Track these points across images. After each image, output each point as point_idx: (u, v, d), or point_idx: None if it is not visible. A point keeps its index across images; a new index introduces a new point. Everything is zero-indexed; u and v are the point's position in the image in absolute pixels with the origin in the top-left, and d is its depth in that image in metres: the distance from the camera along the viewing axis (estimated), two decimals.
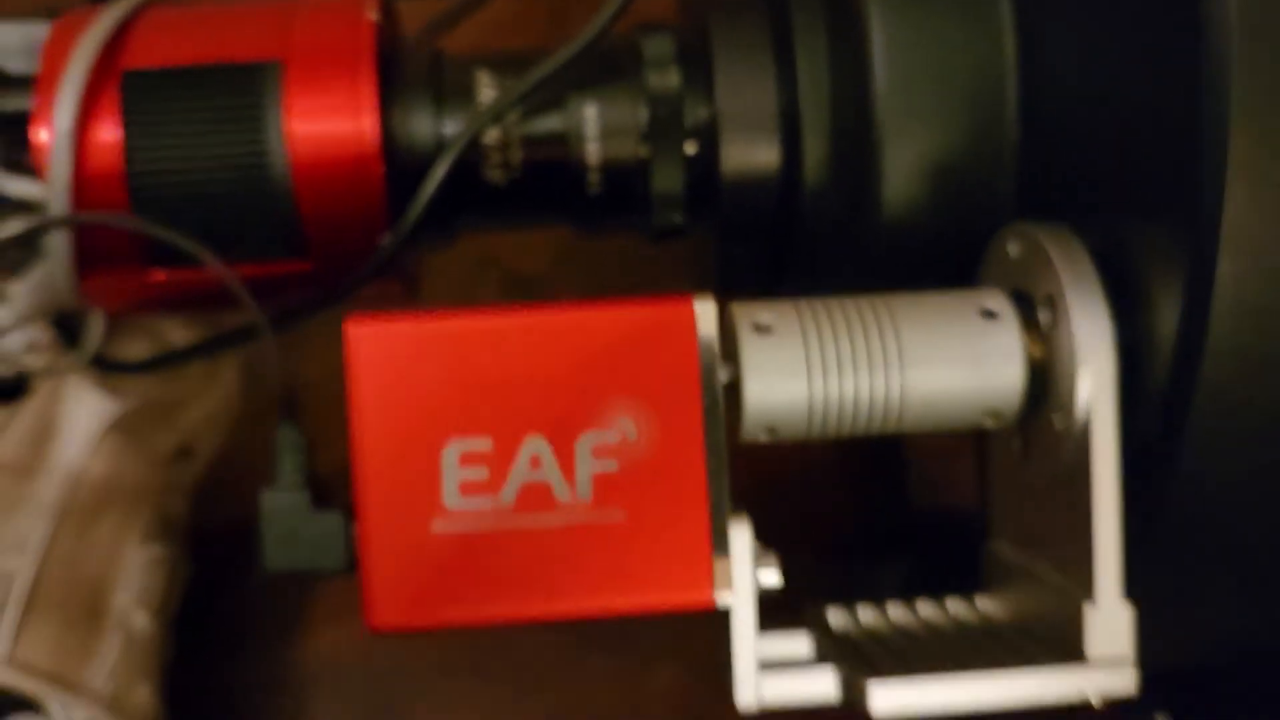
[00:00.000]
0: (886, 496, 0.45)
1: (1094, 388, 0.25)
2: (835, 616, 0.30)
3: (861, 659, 0.27)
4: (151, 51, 0.33)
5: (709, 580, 0.25)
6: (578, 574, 0.25)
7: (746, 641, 0.25)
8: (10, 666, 0.37)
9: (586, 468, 0.25)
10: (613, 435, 0.25)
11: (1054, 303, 0.26)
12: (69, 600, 0.39)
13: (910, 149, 0.30)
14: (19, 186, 0.33)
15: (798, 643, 0.28)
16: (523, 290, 0.52)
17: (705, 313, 0.25)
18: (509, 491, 0.25)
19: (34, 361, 0.34)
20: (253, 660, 0.49)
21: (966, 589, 0.31)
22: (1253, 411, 0.24)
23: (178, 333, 0.41)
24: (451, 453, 0.24)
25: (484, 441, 0.24)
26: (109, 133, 0.32)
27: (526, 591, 0.25)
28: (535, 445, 0.25)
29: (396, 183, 0.34)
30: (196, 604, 0.47)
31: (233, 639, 0.49)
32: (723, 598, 0.25)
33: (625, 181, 0.35)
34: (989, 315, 0.27)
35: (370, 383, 0.24)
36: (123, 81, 0.32)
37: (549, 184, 0.35)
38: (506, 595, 0.25)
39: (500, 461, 0.24)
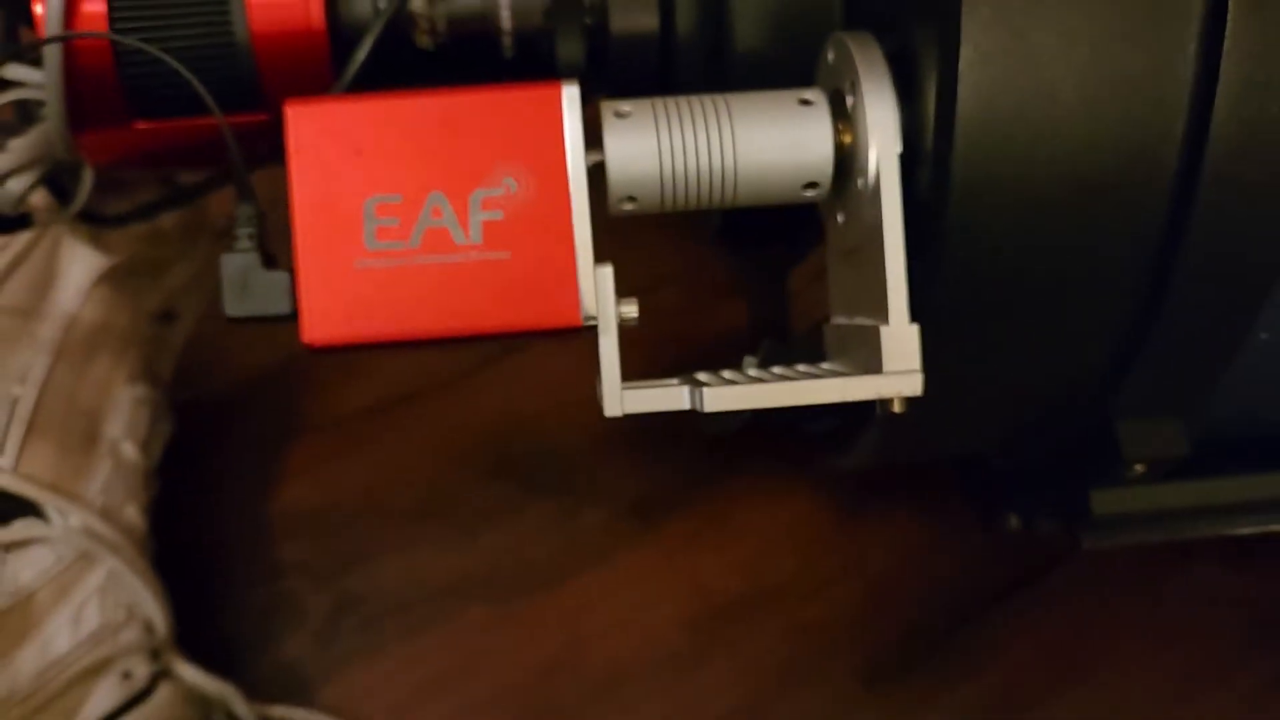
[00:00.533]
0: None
1: (881, 151, 0.31)
2: (703, 375, 0.36)
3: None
4: None
5: (576, 305, 0.31)
6: (472, 301, 0.31)
7: (611, 359, 0.32)
8: (15, 475, 0.44)
9: (478, 216, 0.31)
10: (499, 191, 0.31)
11: (855, 90, 0.32)
12: (66, 425, 0.45)
13: None
14: (16, 72, 0.40)
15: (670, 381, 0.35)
16: None
17: (570, 94, 0.31)
18: (416, 236, 0.31)
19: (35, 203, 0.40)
20: (229, 514, 0.55)
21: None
22: (999, 162, 0.30)
23: (154, 195, 0.47)
24: (370, 205, 0.31)
25: (395, 197, 0.31)
26: (94, 4, 0.39)
27: (430, 315, 0.31)
28: (436, 199, 0.31)
29: (340, 47, 0.41)
30: (178, 466, 0.53)
31: (210, 495, 0.55)
32: (589, 318, 0.31)
33: (534, 48, 0.42)
34: (805, 104, 0.33)
35: (304, 151, 0.31)
36: None
37: (470, 49, 0.42)
38: (416, 317, 0.31)
39: (408, 212, 0.31)
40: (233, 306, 0.32)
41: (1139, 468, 0.38)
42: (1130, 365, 0.35)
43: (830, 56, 0.34)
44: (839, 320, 0.36)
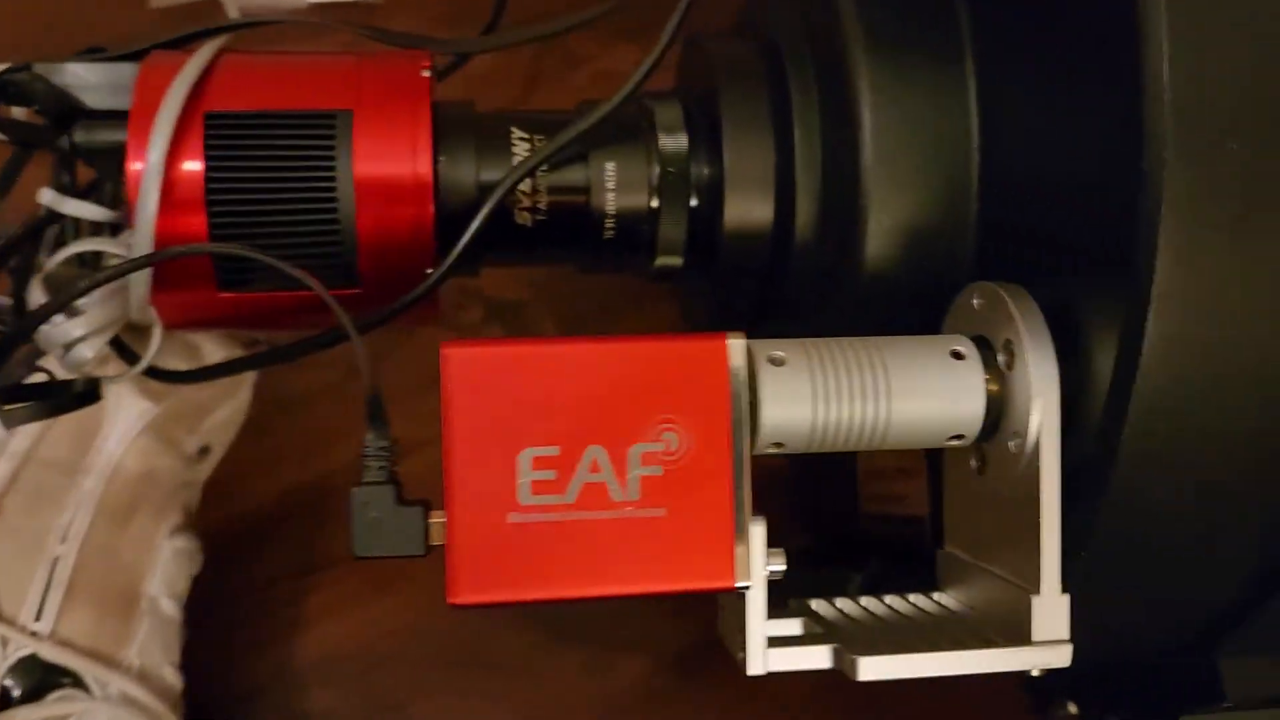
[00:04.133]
0: (837, 506, 0.51)
1: (1043, 418, 0.31)
2: (819, 605, 0.36)
3: (844, 638, 0.32)
4: (232, 95, 0.37)
5: (731, 567, 0.30)
6: (626, 560, 0.30)
7: (758, 619, 0.31)
8: (53, 642, 0.41)
9: (636, 472, 0.30)
10: (658, 445, 0.30)
11: (1011, 347, 0.32)
12: (105, 584, 0.43)
13: (890, 214, 0.36)
14: (89, 210, 0.37)
15: (790, 625, 0.34)
16: (508, 315, 0.57)
17: (736, 347, 0.30)
18: (572, 491, 0.30)
19: (101, 369, 0.38)
20: (254, 658, 0.52)
21: (922, 590, 0.37)
22: (1171, 447, 0.30)
23: (208, 345, 0.45)
24: (526, 457, 0.29)
25: (553, 449, 0.29)
26: (192, 166, 0.36)
27: (584, 574, 0.30)
28: (595, 453, 0.30)
29: (442, 222, 0.39)
30: (202, 596, 0.50)
31: (234, 635, 0.52)
32: (741, 581, 0.30)
33: (635, 228, 0.41)
34: (957, 356, 0.33)
35: (460, 396, 0.29)
36: (206, 121, 0.36)
37: (569, 228, 0.40)
38: (567, 577, 0.29)
39: (566, 466, 0.29)
40: (363, 546, 0.31)
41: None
42: (1245, 618, 0.35)
43: (977, 303, 0.34)
44: (957, 553, 0.36)
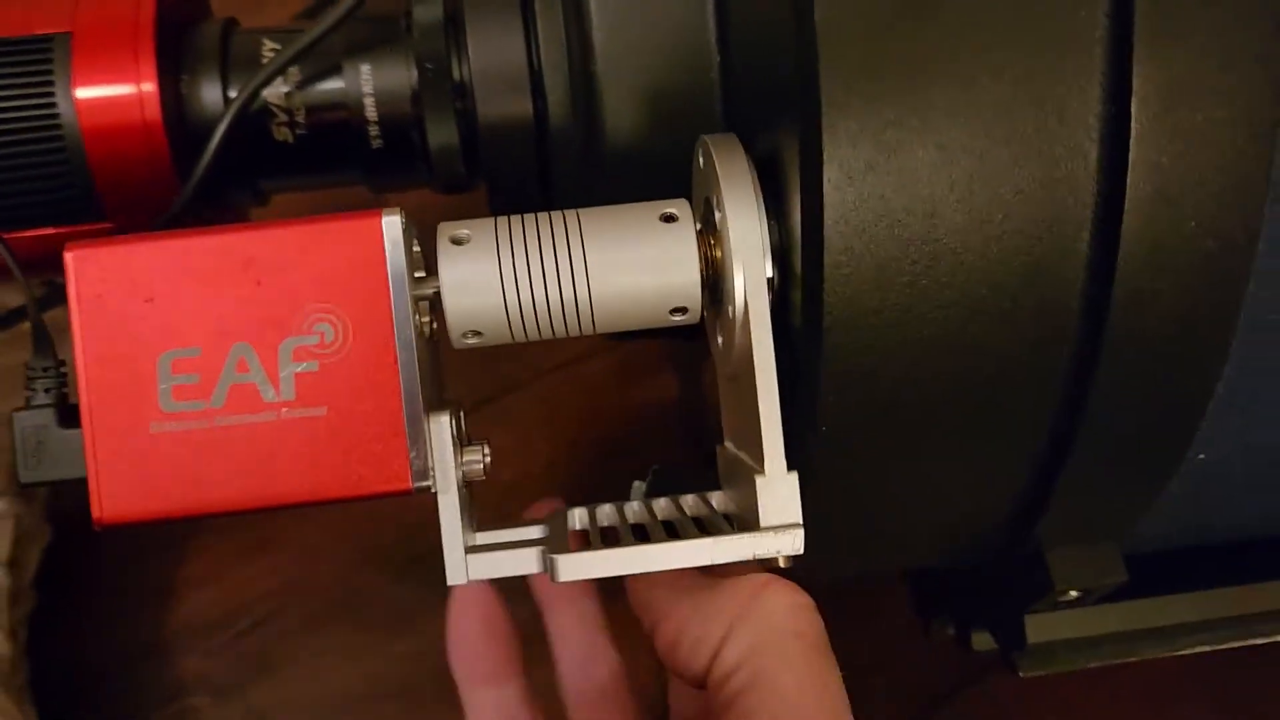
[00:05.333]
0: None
1: (745, 275, 0.28)
2: (575, 516, 0.33)
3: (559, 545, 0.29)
4: None
5: (405, 467, 0.27)
6: (286, 466, 0.27)
7: (453, 524, 0.28)
8: None
9: (289, 369, 0.27)
10: (312, 339, 0.27)
11: (719, 203, 0.28)
12: None
13: (626, 79, 0.33)
14: None
15: (528, 532, 0.31)
16: None
17: (391, 224, 0.28)
18: (219, 395, 0.27)
19: None
20: (119, 628, 0.51)
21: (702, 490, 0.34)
22: (872, 298, 0.26)
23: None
24: (165, 361, 0.27)
25: (194, 350, 0.27)
26: None
27: (239, 483, 0.27)
28: (241, 350, 0.27)
29: (188, 144, 0.37)
30: (59, 573, 0.49)
31: (98, 607, 0.51)
32: (419, 482, 0.27)
33: (403, 135, 0.38)
34: (669, 219, 0.29)
35: (89, 300, 0.27)
36: None
37: (334, 140, 0.38)
38: (221, 487, 0.27)
39: (210, 368, 0.27)
40: (26, 473, 0.29)
41: (1074, 593, 0.34)
42: (1053, 493, 0.31)
43: (699, 161, 0.30)
44: (730, 446, 0.33)
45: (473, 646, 0.36)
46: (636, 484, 0.35)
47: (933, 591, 0.43)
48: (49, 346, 0.29)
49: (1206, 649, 0.37)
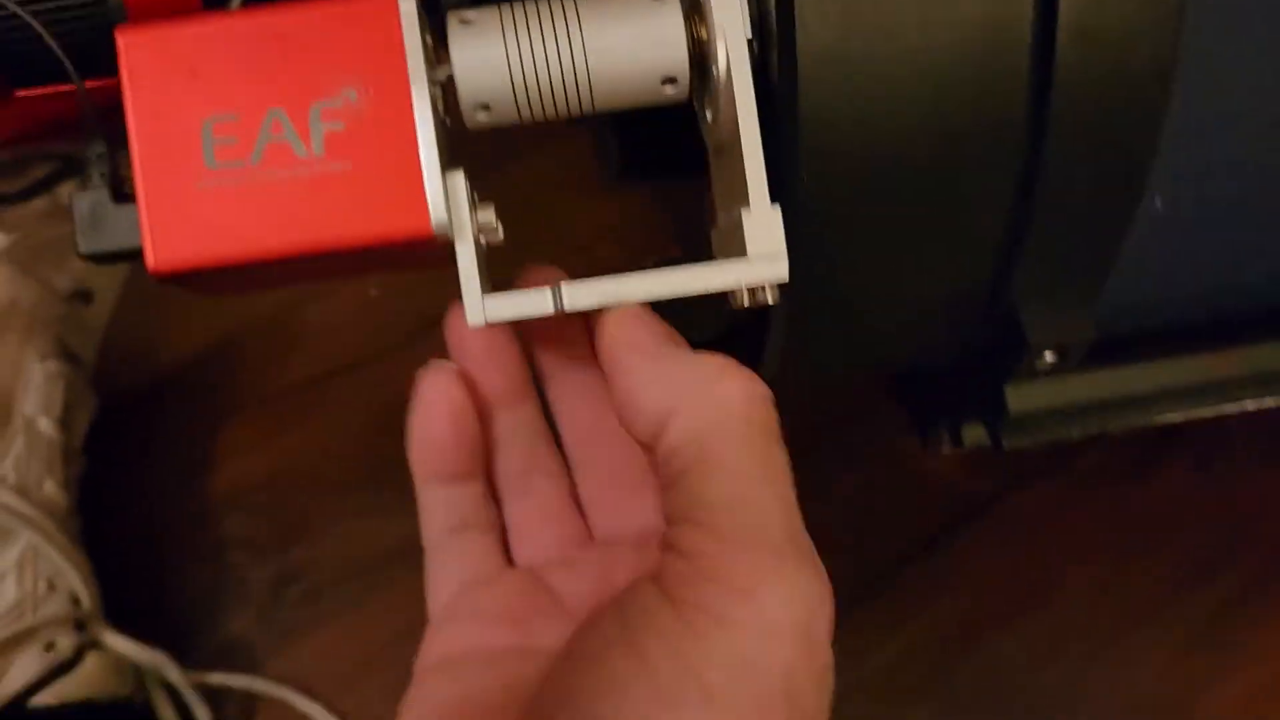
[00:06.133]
0: None
1: (728, 37, 0.31)
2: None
3: None
4: None
5: (424, 212, 0.30)
6: (318, 214, 0.30)
7: (470, 269, 0.31)
8: None
9: (319, 129, 0.30)
10: (338, 102, 0.30)
11: None
12: None
13: None
14: None
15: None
16: None
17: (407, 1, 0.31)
18: (257, 153, 0.30)
19: None
20: (170, 493, 0.55)
21: None
22: (839, 45, 0.30)
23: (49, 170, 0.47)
24: (208, 126, 0.30)
25: (233, 115, 0.30)
26: None
27: (276, 232, 0.30)
28: (275, 114, 0.30)
29: None
30: (106, 449, 0.52)
31: (145, 477, 0.54)
32: (438, 223, 0.30)
33: None
34: None
35: (139, 78, 0.30)
36: None
37: None
38: (260, 236, 0.30)
39: (247, 129, 0.30)
40: (85, 243, 0.32)
41: (1050, 357, 0.36)
42: (1021, 252, 0.34)
43: None
44: (720, 219, 0.35)
45: (436, 442, 0.34)
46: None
47: (925, 399, 0.46)
48: (102, 132, 0.33)
49: (1179, 418, 0.39)
